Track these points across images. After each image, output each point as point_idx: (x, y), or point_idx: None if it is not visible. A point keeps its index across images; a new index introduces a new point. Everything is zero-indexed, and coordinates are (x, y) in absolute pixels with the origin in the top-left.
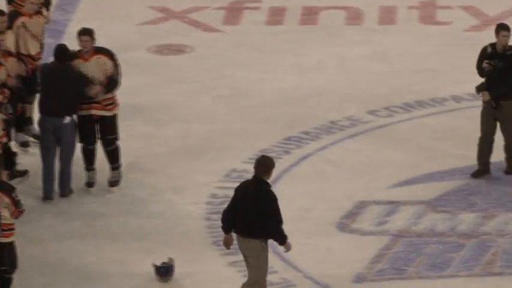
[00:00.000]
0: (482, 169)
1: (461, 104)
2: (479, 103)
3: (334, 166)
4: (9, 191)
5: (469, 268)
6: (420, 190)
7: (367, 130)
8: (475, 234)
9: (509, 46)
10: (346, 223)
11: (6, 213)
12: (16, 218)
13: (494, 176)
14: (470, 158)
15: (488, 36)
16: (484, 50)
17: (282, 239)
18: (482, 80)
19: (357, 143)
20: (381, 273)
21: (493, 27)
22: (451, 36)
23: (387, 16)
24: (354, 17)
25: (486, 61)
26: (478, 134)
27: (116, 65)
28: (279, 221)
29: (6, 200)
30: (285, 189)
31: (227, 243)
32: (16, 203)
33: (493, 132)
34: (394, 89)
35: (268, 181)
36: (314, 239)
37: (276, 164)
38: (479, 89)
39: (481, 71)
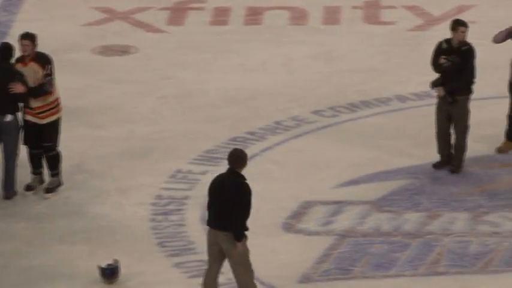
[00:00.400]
0: (446, 160)
1: (405, 104)
2: (423, 103)
3: (279, 166)
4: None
5: (414, 268)
6: (365, 190)
7: (312, 130)
8: (420, 234)
9: (464, 42)
10: (292, 223)
11: None
12: None
13: (439, 175)
14: (414, 158)
15: (433, 36)
16: (439, 45)
17: (240, 233)
18: (436, 76)
19: (302, 143)
20: (327, 274)
21: (437, 27)
22: (395, 36)
23: (331, 16)
24: (298, 17)
25: (443, 57)
26: (422, 134)
27: (46, 75)
28: (245, 214)
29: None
30: None
31: None
32: None
33: (448, 127)
34: (339, 89)
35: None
36: (260, 239)
37: (221, 165)
38: (435, 84)
39: (436, 66)
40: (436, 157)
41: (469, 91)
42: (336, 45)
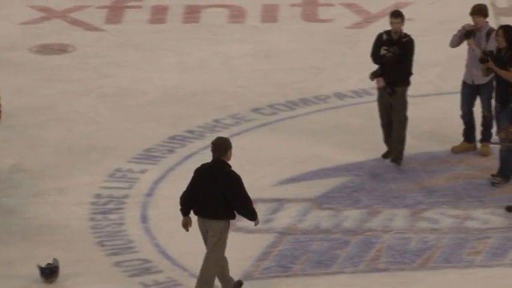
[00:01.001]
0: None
1: (344, 101)
2: (362, 100)
3: None
4: None
5: (354, 264)
6: (305, 187)
7: (252, 128)
8: (359, 231)
9: (405, 33)
10: (232, 221)
11: None
12: None
13: (378, 172)
14: (354, 155)
15: (370, 33)
16: (380, 36)
17: (252, 217)
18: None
19: (241, 141)
20: (267, 271)
21: (374, 24)
22: (333, 34)
23: (270, 14)
24: (237, 15)
25: (384, 48)
26: (361, 131)
27: None
28: (247, 199)
29: None
30: (169, 188)
31: (186, 225)
32: None
33: (389, 116)
34: (278, 86)
35: (229, 162)
36: (200, 237)
37: (160, 164)
38: (374, 75)
39: (376, 58)
40: (374, 153)
41: (407, 83)
42: (274, 43)
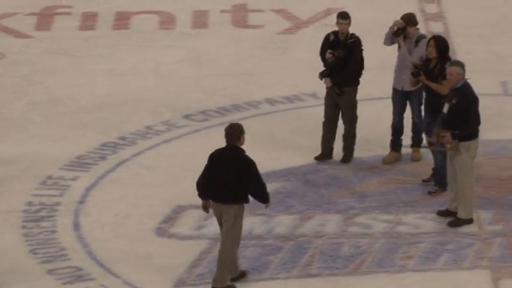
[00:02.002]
0: (326, 153)
1: (275, 107)
2: (293, 106)
3: (151, 171)
4: None
5: (287, 270)
6: None
7: (183, 135)
8: (292, 237)
9: (351, 34)
10: (165, 228)
11: None
12: None
13: (310, 178)
14: (286, 161)
15: (301, 39)
16: (327, 38)
17: (266, 200)
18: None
19: (173, 147)
20: (201, 277)
21: (305, 30)
22: (264, 40)
23: (200, 20)
24: (167, 21)
25: (329, 51)
26: (293, 137)
27: None
28: (261, 183)
29: None
30: (101, 195)
31: (206, 208)
32: None
33: (336, 118)
34: (209, 93)
35: (242, 147)
36: (133, 245)
37: (92, 171)
38: (323, 74)
39: (323, 59)
40: (306, 159)
41: (356, 83)
42: (205, 49)
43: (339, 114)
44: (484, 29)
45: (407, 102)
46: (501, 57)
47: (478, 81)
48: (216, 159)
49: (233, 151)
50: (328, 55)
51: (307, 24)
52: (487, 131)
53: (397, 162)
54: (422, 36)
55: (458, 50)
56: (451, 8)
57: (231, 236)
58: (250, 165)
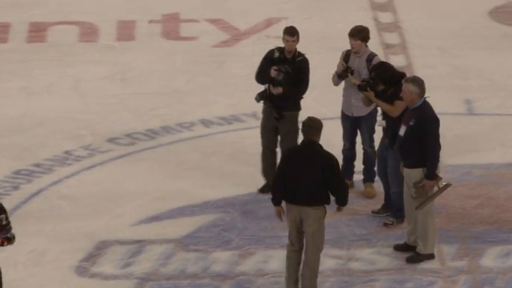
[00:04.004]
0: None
1: (211, 129)
2: (231, 127)
3: (71, 202)
4: None
5: None
6: (169, 227)
7: (107, 160)
8: (231, 275)
9: (299, 52)
10: (86, 266)
11: None
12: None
13: (250, 209)
14: (223, 189)
15: (239, 52)
16: (271, 53)
17: (345, 201)
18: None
19: (96, 175)
20: None
21: (243, 42)
22: (198, 53)
23: (125, 31)
24: (88, 33)
25: (274, 67)
26: (231, 162)
27: None
28: (345, 182)
29: None
30: (15, 229)
31: (279, 215)
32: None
33: (275, 144)
34: (136, 113)
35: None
36: (50, 285)
37: (3, 202)
38: (261, 96)
39: (263, 77)
40: (246, 188)
41: (297, 107)
42: (131, 64)
43: (277, 141)
44: (445, 40)
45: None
46: (464, 71)
47: (439, 99)
48: (293, 157)
49: (313, 147)
50: (274, 72)
51: (247, 36)
52: (449, 156)
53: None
54: (373, 55)
55: (417, 64)
56: (408, 16)
57: (317, 241)
58: (333, 162)
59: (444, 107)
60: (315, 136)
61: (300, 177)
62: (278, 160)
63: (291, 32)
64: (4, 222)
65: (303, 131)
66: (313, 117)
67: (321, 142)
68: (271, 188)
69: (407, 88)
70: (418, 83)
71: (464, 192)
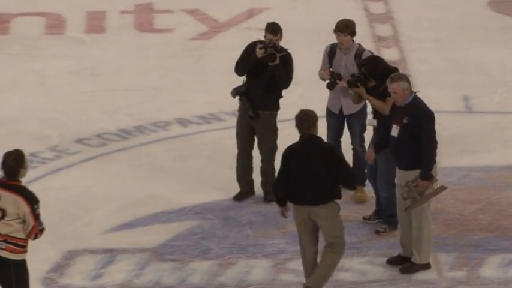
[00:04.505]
0: (246, 191)
1: (188, 129)
2: (211, 127)
3: None
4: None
5: None
6: (143, 235)
7: (76, 163)
8: (210, 287)
9: (281, 47)
10: (54, 278)
11: (18, 226)
12: (34, 238)
13: (231, 215)
14: (202, 194)
15: (219, 45)
16: (253, 46)
17: (353, 186)
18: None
19: (63, 178)
20: None
21: (223, 34)
22: (173, 46)
23: (95, 23)
24: (55, 24)
25: (260, 45)
26: (210, 165)
27: None
28: (350, 169)
29: (25, 208)
30: None
31: (284, 214)
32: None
33: (251, 146)
34: (107, 112)
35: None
36: None
37: None
38: (237, 91)
39: (243, 67)
40: (226, 193)
41: (276, 106)
42: (101, 58)
43: (253, 143)
44: (441, 32)
45: (346, 127)
46: (462, 66)
47: (434, 96)
48: (294, 155)
49: (313, 141)
50: (259, 52)
51: (226, 28)
52: (446, 157)
53: None
54: (362, 50)
55: (411, 58)
56: (401, 7)
57: (335, 236)
58: (333, 152)
59: (440, 105)
60: (311, 129)
61: (304, 175)
62: (255, 163)
63: (274, 30)
64: (37, 212)
65: (297, 125)
66: (305, 110)
67: None
68: (273, 188)
69: (399, 87)
70: (406, 78)
71: (463, 197)
